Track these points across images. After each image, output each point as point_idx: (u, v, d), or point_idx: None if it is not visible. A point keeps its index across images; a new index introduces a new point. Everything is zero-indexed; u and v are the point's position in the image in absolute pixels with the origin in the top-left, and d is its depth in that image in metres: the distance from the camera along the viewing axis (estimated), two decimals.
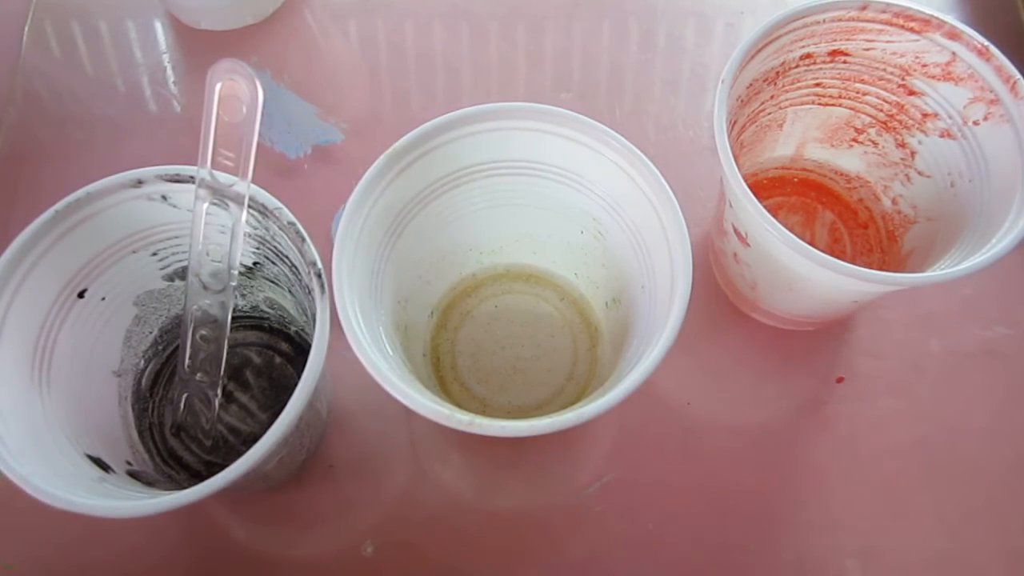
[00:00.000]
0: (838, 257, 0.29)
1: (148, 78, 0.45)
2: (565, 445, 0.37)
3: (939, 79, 0.34)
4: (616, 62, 0.46)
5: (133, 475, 0.31)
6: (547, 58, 0.46)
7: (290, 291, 0.33)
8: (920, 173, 0.36)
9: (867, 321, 0.39)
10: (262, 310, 0.37)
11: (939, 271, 0.30)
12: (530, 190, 0.34)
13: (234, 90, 0.28)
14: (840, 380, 0.38)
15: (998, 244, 0.29)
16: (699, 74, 0.46)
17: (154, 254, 0.33)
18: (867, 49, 0.34)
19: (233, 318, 0.31)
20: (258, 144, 0.29)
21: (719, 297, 0.40)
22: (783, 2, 0.47)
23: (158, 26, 0.47)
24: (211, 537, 0.35)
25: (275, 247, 0.31)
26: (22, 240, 0.28)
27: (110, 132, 0.44)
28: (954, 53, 0.33)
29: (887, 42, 0.34)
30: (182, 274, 0.34)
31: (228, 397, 0.36)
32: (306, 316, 0.33)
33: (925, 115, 0.35)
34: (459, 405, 0.36)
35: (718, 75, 0.32)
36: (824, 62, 0.35)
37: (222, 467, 0.26)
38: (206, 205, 0.29)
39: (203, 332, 0.31)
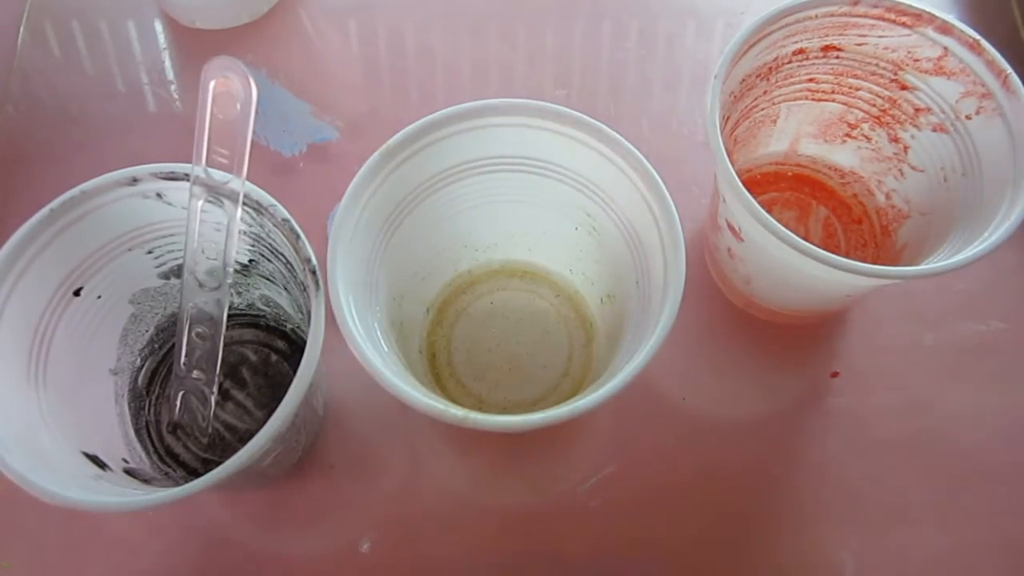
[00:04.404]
0: (832, 252, 0.29)
1: (144, 77, 0.45)
2: (561, 441, 0.37)
3: (931, 74, 0.34)
4: (613, 60, 0.46)
5: (130, 473, 0.31)
6: (544, 56, 0.46)
7: (286, 288, 0.33)
8: (913, 168, 0.36)
9: (862, 316, 0.39)
10: (258, 308, 0.37)
11: (932, 264, 0.30)
12: (524, 186, 0.34)
13: (228, 87, 0.28)
14: (835, 375, 0.38)
15: (990, 237, 0.29)
16: (695, 72, 0.46)
17: (149, 252, 0.33)
18: (859, 44, 0.35)
19: (229, 316, 0.31)
20: (253, 142, 0.29)
21: (714, 292, 0.40)
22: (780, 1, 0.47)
23: (153, 25, 0.47)
24: (209, 535, 0.35)
25: (270, 244, 0.31)
26: (17, 238, 0.28)
27: (106, 130, 0.44)
28: (946, 48, 0.33)
29: (879, 37, 0.34)
30: (178, 272, 0.34)
31: (225, 395, 0.36)
32: (302, 313, 0.33)
33: (918, 110, 0.35)
34: (455, 402, 0.36)
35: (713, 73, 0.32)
36: (817, 57, 0.35)
37: (219, 464, 0.26)
38: (201, 202, 0.29)
39: (199, 330, 0.31)
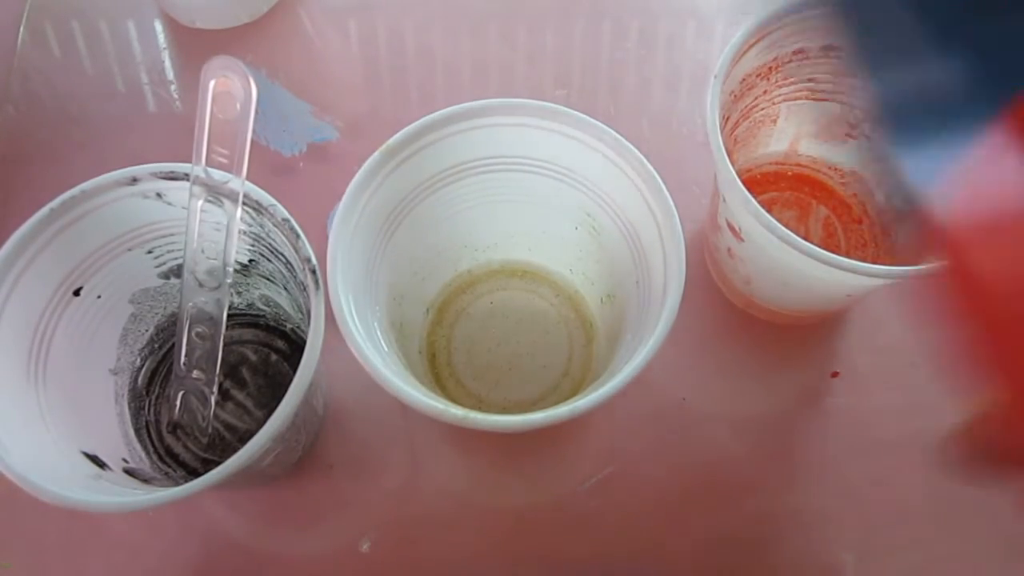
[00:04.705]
0: (832, 252, 0.29)
1: (144, 77, 0.45)
2: (561, 441, 0.37)
3: None
4: (613, 60, 0.46)
5: (130, 472, 0.31)
6: (544, 56, 0.46)
7: (285, 288, 0.33)
8: None
9: (862, 315, 0.39)
10: (258, 308, 0.37)
11: (932, 263, 0.30)
12: (524, 186, 0.34)
13: (228, 87, 0.28)
14: (835, 375, 0.38)
15: None
16: (695, 72, 0.46)
17: (149, 252, 0.33)
18: None
19: (229, 316, 0.31)
20: (253, 142, 0.29)
21: (714, 292, 0.40)
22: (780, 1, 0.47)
23: (153, 25, 0.47)
24: (209, 535, 0.35)
25: (270, 244, 0.31)
26: (17, 238, 0.28)
27: (106, 130, 0.44)
28: None
29: None
30: (177, 272, 0.34)
31: (225, 395, 0.36)
32: (302, 313, 0.33)
33: None
34: (455, 402, 0.36)
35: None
36: (817, 57, 0.35)
37: (219, 464, 0.26)
38: (201, 202, 0.29)
39: (199, 329, 0.31)
